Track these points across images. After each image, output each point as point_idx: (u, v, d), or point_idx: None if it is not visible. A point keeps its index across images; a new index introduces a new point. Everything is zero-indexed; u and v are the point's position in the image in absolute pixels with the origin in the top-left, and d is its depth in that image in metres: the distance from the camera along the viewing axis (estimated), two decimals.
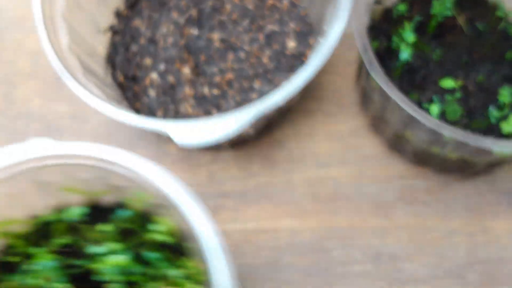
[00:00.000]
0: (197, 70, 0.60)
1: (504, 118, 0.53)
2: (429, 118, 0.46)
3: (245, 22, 0.62)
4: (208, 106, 0.59)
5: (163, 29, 0.62)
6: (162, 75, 0.60)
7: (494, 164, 0.57)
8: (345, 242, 0.57)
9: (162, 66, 0.60)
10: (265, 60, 0.60)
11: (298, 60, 0.61)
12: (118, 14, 0.64)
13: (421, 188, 0.59)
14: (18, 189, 0.45)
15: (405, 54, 0.54)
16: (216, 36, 0.61)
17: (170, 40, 0.61)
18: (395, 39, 0.57)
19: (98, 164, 0.42)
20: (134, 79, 0.61)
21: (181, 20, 0.62)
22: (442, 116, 0.53)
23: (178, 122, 0.46)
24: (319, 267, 0.56)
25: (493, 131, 0.52)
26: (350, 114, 0.64)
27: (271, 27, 0.62)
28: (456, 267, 0.55)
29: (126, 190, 0.45)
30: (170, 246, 0.44)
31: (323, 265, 0.56)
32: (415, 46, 0.57)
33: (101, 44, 0.62)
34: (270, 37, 0.62)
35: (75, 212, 0.44)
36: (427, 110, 0.53)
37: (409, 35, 0.55)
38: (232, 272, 0.37)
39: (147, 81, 0.60)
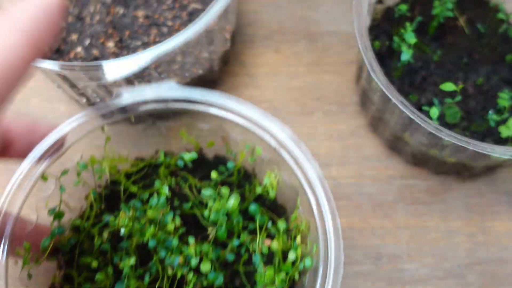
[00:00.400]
0: (121, 44, 0.62)
1: (503, 122, 0.52)
2: (429, 122, 0.46)
3: (169, 1, 0.65)
4: (131, 77, 0.60)
5: (91, 8, 0.65)
6: (86, 48, 0.62)
7: (492, 167, 0.57)
8: (345, 242, 0.57)
9: (87, 41, 0.62)
10: None
11: (218, 34, 0.62)
12: None
13: (421, 188, 0.59)
14: (133, 131, 0.48)
15: (406, 55, 0.53)
16: (140, 13, 0.64)
17: (97, 17, 0.64)
18: (396, 39, 0.56)
19: (217, 113, 0.44)
20: (58, 51, 0.62)
21: (108, 0, 0.65)
22: (442, 118, 0.53)
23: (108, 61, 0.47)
24: None
25: (492, 134, 0.52)
26: (350, 114, 0.64)
27: (194, 5, 0.64)
28: (457, 267, 0.55)
29: (237, 143, 0.47)
30: (269, 203, 0.46)
31: None
32: (415, 46, 0.57)
33: None
34: (192, 14, 0.64)
35: (186, 157, 0.46)
36: (427, 113, 0.53)
37: (410, 36, 0.54)
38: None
39: (71, 54, 0.62)
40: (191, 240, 0.40)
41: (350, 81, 0.66)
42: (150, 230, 0.39)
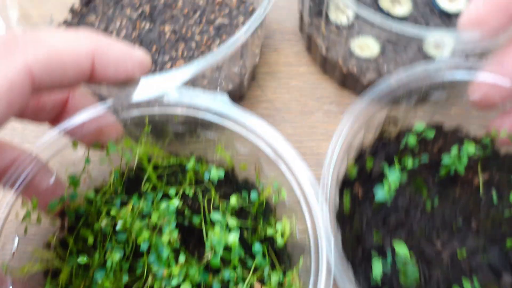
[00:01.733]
0: None
1: None
2: None
3: (196, 16, 0.64)
4: None
5: (117, 23, 0.65)
6: None
7: None
8: None
9: None
10: (215, 48, 0.62)
11: (246, 48, 0.61)
12: (72, 11, 0.67)
13: None
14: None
15: (380, 194, 0.46)
16: (167, 28, 0.64)
17: (123, 32, 0.64)
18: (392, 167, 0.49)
19: (255, 141, 0.44)
20: None
21: (134, 15, 0.65)
22: (391, 276, 0.44)
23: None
24: None
25: None
26: None
27: (220, 20, 0.64)
28: None
29: (267, 177, 0.47)
30: (277, 247, 0.45)
31: None
32: (413, 177, 0.49)
33: None
34: (219, 29, 0.64)
35: (213, 174, 0.46)
36: (372, 265, 0.44)
37: (393, 177, 0.46)
38: None
39: None
40: (182, 258, 0.39)
41: None
42: (145, 234, 0.39)
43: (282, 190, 0.44)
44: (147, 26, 0.65)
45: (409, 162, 0.47)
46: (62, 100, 0.44)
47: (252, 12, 0.67)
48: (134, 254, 0.42)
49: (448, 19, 0.63)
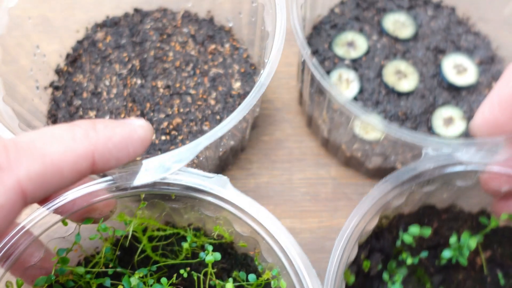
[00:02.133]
0: (144, 118, 0.57)
1: None
2: None
3: (189, 68, 0.62)
4: (156, 153, 0.57)
5: (106, 81, 0.62)
6: None
7: None
8: None
9: (107, 117, 0.60)
10: (212, 102, 0.60)
11: (244, 98, 0.58)
12: (58, 71, 0.64)
13: None
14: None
15: None
16: (160, 83, 0.61)
17: (114, 91, 0.61)
18: (390, 266, 0.47)
19: (254, 227, 0.42)
20: None
21: (124, 71, 0.62)
22: None
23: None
24: (319, 267, 0.52)
25: None
26: None
27: (215, 70, 0.62)
28: None
29: (266, 262, 0.45)
30: None
31: (323, 265, 0.53)
32: (412, 270, 0.47)
33: (42, 100, 0.61)
34: (215, 80, 0.61)
35: (208, 257, 0.43)
36: None
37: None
38: None
39: None
40: None
41: None
42: None
43: (281, 281, 0.42)
44: (139, 82, 0.62)
45: (408, 260, 0.45)
46: None
47: (246, 59, 0.64)
48: None
49: (457, 92, 0.60)
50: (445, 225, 0.50)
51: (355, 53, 0.62)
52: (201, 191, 0.43)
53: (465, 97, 0.60)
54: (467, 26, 0.66)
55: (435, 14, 0.66)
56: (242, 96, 0.61)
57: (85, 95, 0.61)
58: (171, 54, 0.64)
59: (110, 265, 0.44)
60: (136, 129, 0.37)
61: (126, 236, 0.47)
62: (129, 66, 0.63)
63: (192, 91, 0.61)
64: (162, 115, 0.60)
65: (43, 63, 0.62)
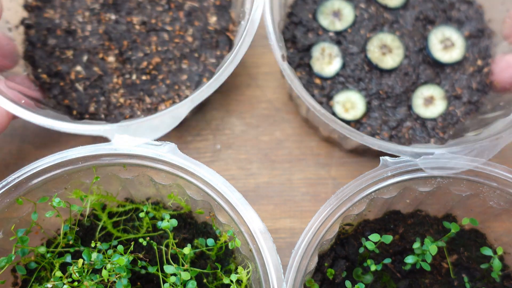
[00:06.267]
0: (122, 57, 0.58)
1: None
2: None
3: (163, 1, 0.59)
4: (139, 93, 0.57)
5: (79, 17, 0.58)
6: (86, 66, 0.57)
7: None
8: None
9: (85, 57, 0.58)
10: (189, 38, 0.59)
11: (222, 35, 0.58)
12: (27, 7, 0.59)
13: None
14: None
15: None
16: (135, 19, 0.59)
17: (88, 28, 0.58)
18: (356, 272, 0.47)
19: (206, 190, 0.44)
20: (57, 75, 0.57)
21: (96, 6, 0.59)
22: None
23: (118, 125, 0.46)
24: None
25: None
26: None
27: (190, 3, 0.60)
28: None
29: (222, 224, 0.47)
30: None
31: None
32: (378, 276, 0.47)
33: (16, 42, 0.58)
34: (190, 14, 0.59)
35: (164, 224, 0.44)
36: None
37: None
38: None
39: (72, 75, 0.57)
40: None
41: None
42: None
43: (236, 240, 0.44)
44: (113, 17, 0.58)
45: (372, 266, 0.45)
46: None
47: None
48: None
49: (441, 69, 0.56)
50: (411, 229, 0.49)
51: (340, 25, 0.57)
52: (151, 158, 0.44)
53: (449, 74, 0.55)
54: None
55: None
56: (219, 32, 0.58)
57: (59, 32, 0.58)
58: None
59: (71, 243, 0.46)
60: None
61: (87, 216, 0.48)
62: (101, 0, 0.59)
63: (168, 27, 0.59)
64: (140, 54, 0.58)
65: (10, 1, 0.58)
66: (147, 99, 0.57)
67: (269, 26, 0.48)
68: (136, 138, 0.44)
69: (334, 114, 0.54)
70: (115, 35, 0.58)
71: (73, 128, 0.45)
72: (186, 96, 0.51)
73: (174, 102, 0.56)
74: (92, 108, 0.56)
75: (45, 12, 0.59)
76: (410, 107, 0.55)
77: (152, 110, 0.56)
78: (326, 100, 0.55)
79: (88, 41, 0.58)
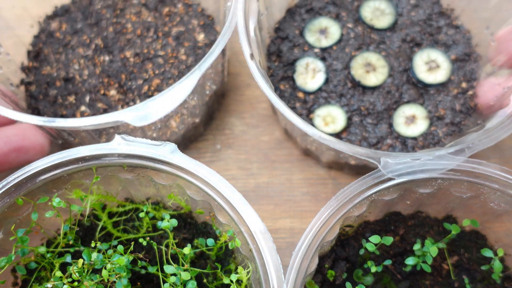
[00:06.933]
0: (123, 89, 0.60)
1: None
2: None
3: (151, 33, 0.62)
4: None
5: (75, 66, 0.61)
6: (90, 105, 0.59)
7: None
8: None
9: (87, 98, 0.60)
10: (182, 57, 0.61)
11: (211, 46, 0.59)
12: (24, 69, 0.62)
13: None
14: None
15: None
16: (128, 53, 0.61)
17: (86, 72, 0.61)
18: (356, 274, 0.47)
19: (206, 190, 0.44)
20: (62, 116, 0.59)
21: (89, 52, 0.62)
22: None
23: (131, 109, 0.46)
24: None
25: None
26: None
27: (176, 29, 0.62)
28: None
29: (222, 225, 0.47)
30: None
31: None
32: (379, 277, 0.47)
33: (18, 97, 0.60)
34: (179, 38, 0.62)
35: (164, 224, 0.44)
36: None
37: None
38: None
39: (77, 115, 0.59)
40: None
41: None
42: None
43: (237, 240, 0.44)
44: (107, 58, 0.61)
45: (373, 268, 0.45)
46: None
47: (202, 12, 0.63)
48: None
49: (425, 90, 0.56)
50: (412, 231, 0.49)
51: (326, 42, 0.58)
52: (151, 159, 0.44)
53: (433, 95, 0.56)
54: (450, 19, 0.59)
55: (418, 3, 0.59)
56: (209, 45, 0.60)
57: (58, 83, 0.61)
58: (129, 25, 0.63)
59: (71, 243, 0.46)
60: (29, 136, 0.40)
61: (87, 216, 0.48)
62: (93, 46, 0.62)
63: (161, 53, 0.61)
64: (140, 81, 0.60)
65: (9, 62, 0.61)
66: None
67: (240, 27, 0.49)
68: (136, 138, 0.44)
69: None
70: (112, 72, 0.60)
71: (87, 122, 0.46)
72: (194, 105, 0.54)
73: (183, 114, 0.58)
74: (103, 140, 0.59)
75: (43, 70, 0.62)
76: (391, 125, 0.55)
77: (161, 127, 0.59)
78: (306, 113, 0.56)
79: (88, 83, 0.60)
